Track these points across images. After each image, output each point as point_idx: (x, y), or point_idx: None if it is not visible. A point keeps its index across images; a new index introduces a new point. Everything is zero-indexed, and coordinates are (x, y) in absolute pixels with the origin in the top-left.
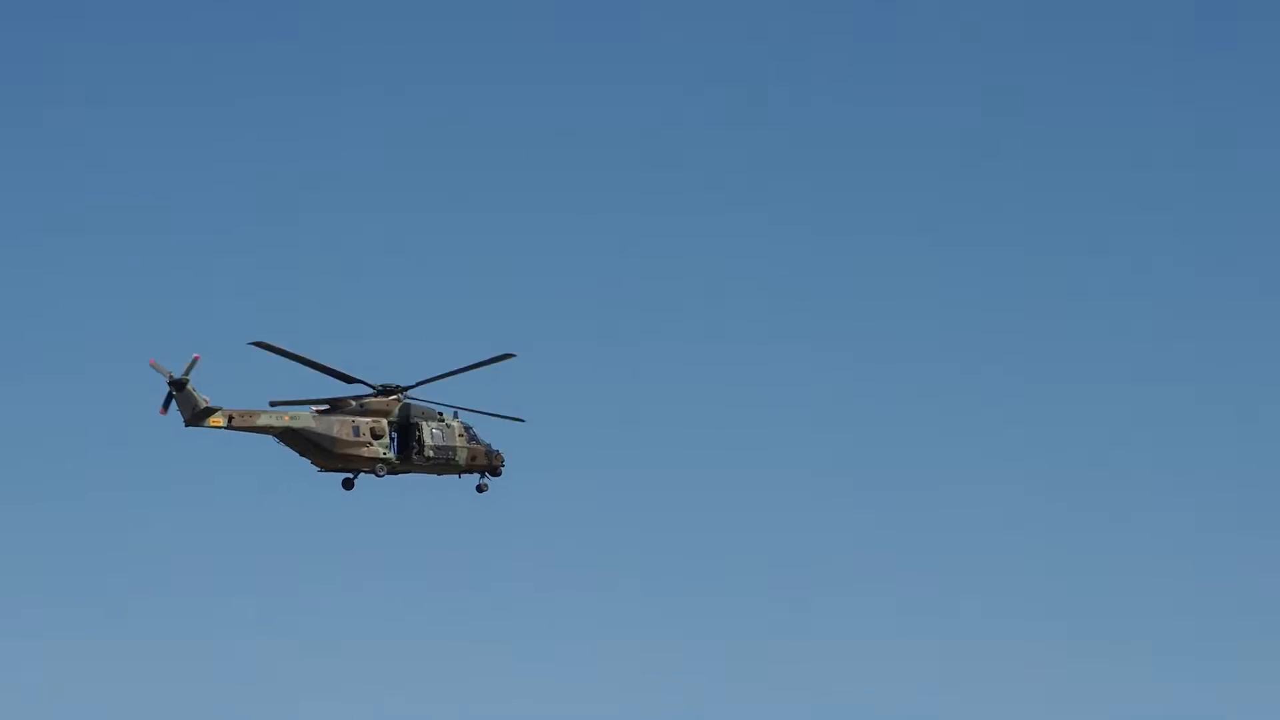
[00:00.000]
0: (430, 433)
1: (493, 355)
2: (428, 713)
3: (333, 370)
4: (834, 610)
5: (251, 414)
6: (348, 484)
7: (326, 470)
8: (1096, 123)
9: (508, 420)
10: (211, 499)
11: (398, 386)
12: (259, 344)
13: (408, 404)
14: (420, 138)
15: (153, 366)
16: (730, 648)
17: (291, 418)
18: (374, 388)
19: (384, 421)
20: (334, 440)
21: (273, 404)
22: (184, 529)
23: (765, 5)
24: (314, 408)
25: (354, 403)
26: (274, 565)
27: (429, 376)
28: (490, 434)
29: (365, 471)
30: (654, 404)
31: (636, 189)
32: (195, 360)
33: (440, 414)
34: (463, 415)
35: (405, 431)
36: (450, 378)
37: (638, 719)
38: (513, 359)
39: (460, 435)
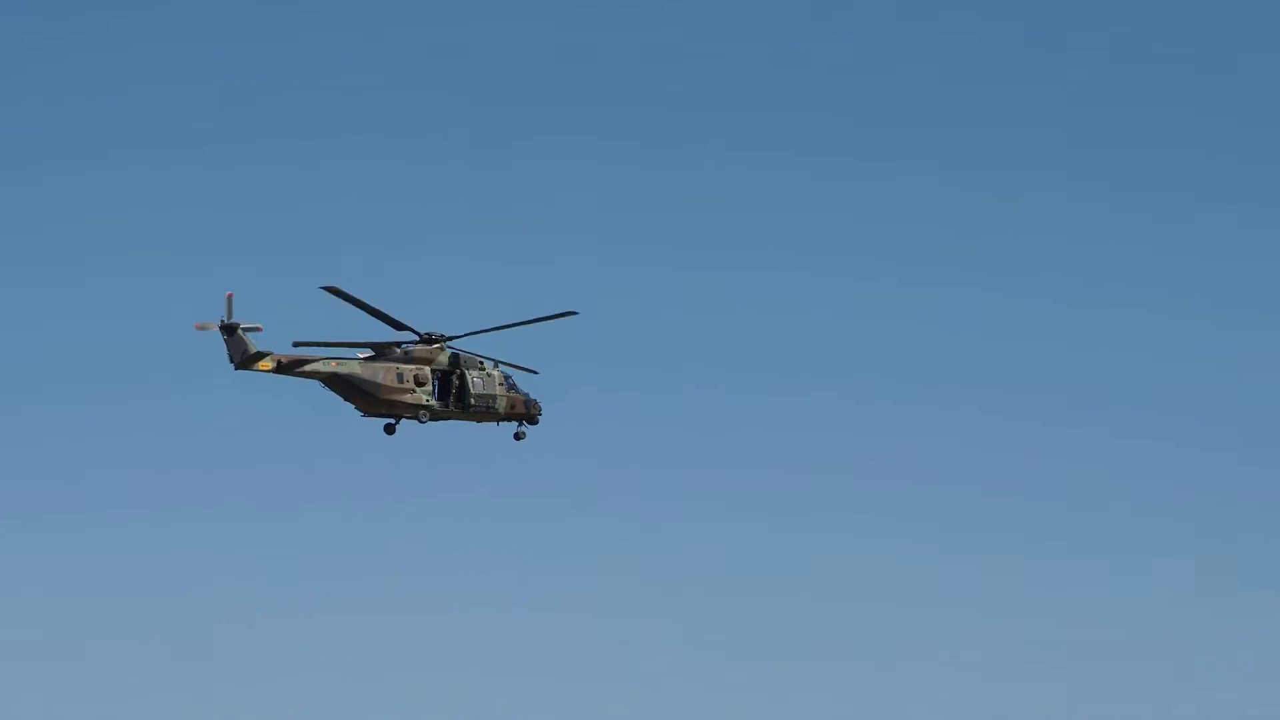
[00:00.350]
0: (472, 381)
1: (555, 312)
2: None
3: (388, 317)
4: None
5: (299, 359)
6: (389, 429)
7: (369, 415)
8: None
9: (523, 370)
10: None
11: (442, 335)
12: (330, 289)
13: (453, 353)
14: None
15: (227, 300)
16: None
17: (338, 363)
18: (419, 335)
19: (427, 369)
20: (379, 386)
21: (295, 344)
22: (231, 470)
23: None
24: (359, 354)
25: (399, 350)
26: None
27: (484, 328)
28: (528, 384)
29: (408, 417)
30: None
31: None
32: (229, 298)
33: (482, 363)
34: (518, 330)
35: (447, 379)
36: (498, 331)
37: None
38: (574, 316)
39: (500, 384)
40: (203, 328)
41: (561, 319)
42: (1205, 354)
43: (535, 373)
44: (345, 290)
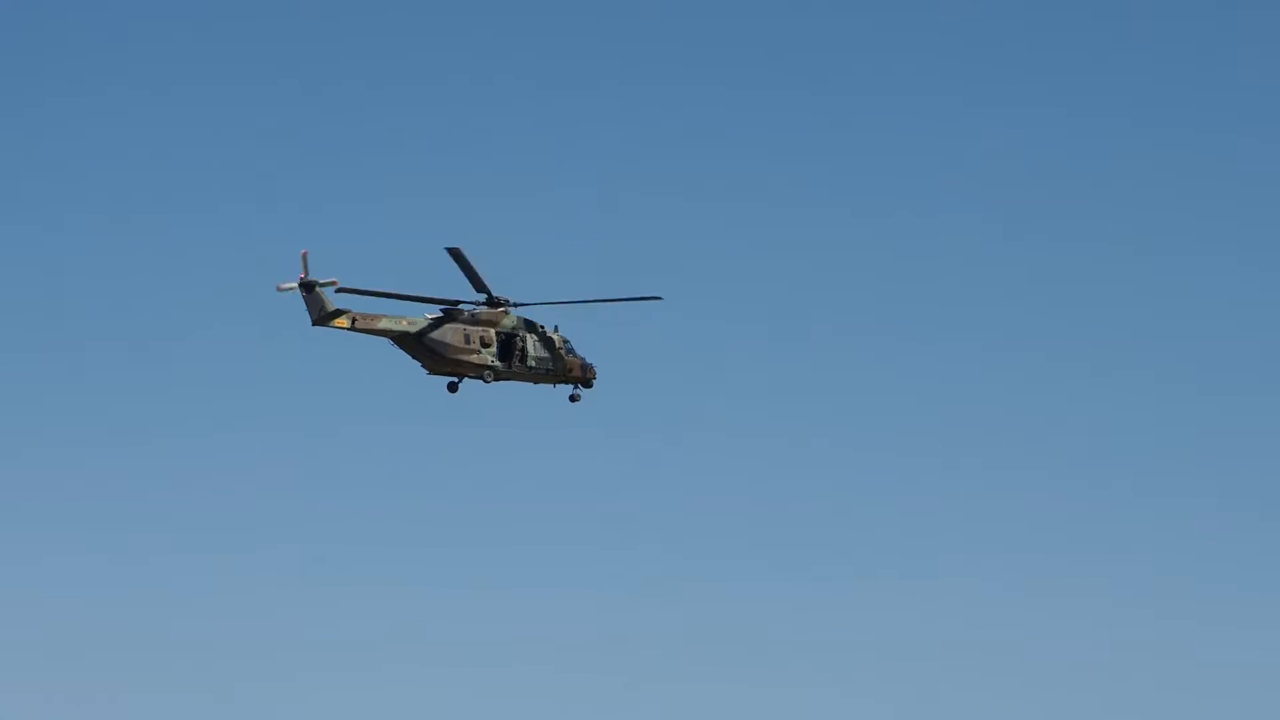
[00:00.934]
0: (533, 344)
1: (641, 295)
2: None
3: (483, 284)
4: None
5: (373, 318)
6: (452, 387)
7: (434, 374)
8: None
9: (647, 300)
10: (332, 396)
11: (506, 299)
12: (452, 251)
13: (516, 315)
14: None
15: (302, 258)
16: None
17: (409, 323)
18: (484, 298)
19: (492, 331)
20: (447, 346)
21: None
22: (305, 426)
23: None
24: (428, 314)
25: (466, 311)
26: (386, 460)
27: (557, 300)
28: (586, 349)
29: (472, 377)
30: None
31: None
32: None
33: (543, 327)
34: (595, 306)
35: (510, 341)
36: (573, 305)
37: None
38: (659, 301)
39: (560, 347)
40: (285, 289)
41: (645, 301)
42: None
43: (660, 299)
44: (466, 255)
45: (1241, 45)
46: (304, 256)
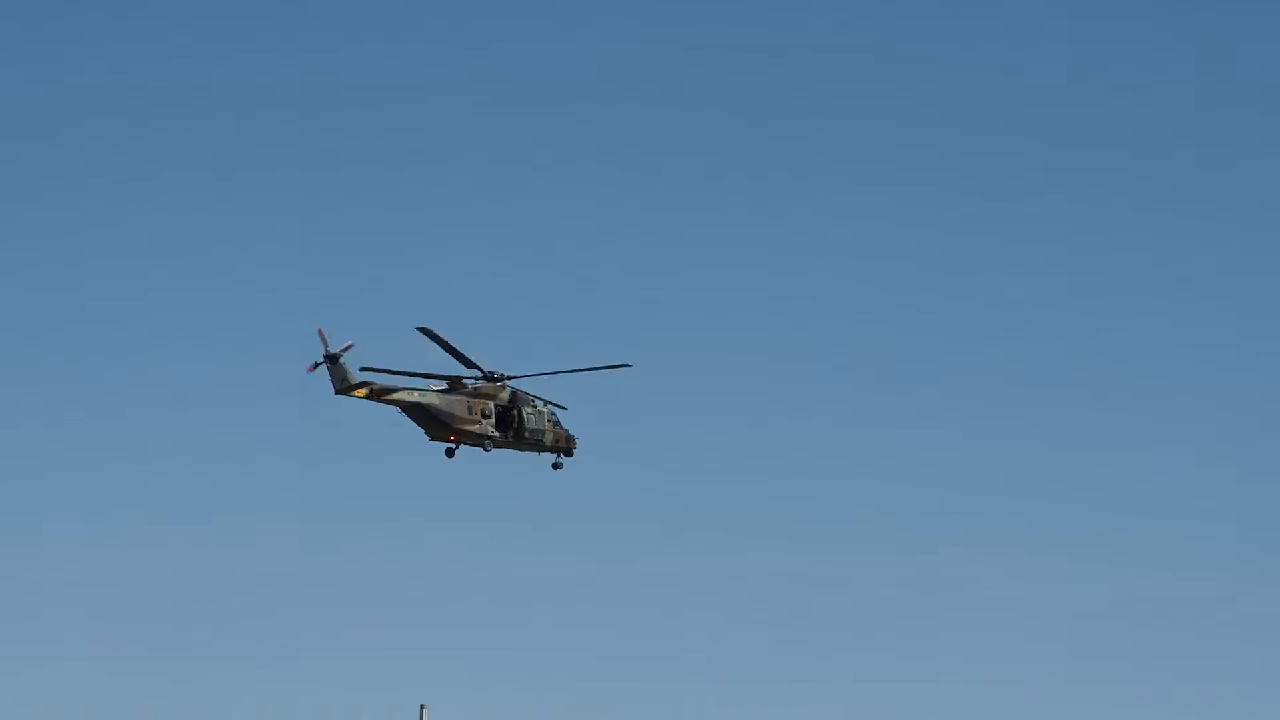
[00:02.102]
0: (527, 416)
1: (610, 363)
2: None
3: (465, 358)
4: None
5: (389, 389)
6: (449, 453)
7: (435, 440)
8: None
9: (615, 369)
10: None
11: (503, 374)
12: (424, 330)
13: (513, 390)
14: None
15: (319, 335)
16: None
17: (419, 394)
18: (483, 373)
19: (491, 403)
20: (453, 416)
21: (364, 369)
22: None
23: None
24: (433, 385)
25: (468, 385)
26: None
27: (538, 372)
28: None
29: (471, 445)
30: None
31: None
32: (348, 347)
33: (534, 400)
34: (570, 374)
35: (506, 413)
36: (551, 375)
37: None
38: (627, 369)
39: (549, 420)
40: (314, 368)
41: (613, 369)
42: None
43: (629, 365)
44: (437, 332)
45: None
46: (320, 333)
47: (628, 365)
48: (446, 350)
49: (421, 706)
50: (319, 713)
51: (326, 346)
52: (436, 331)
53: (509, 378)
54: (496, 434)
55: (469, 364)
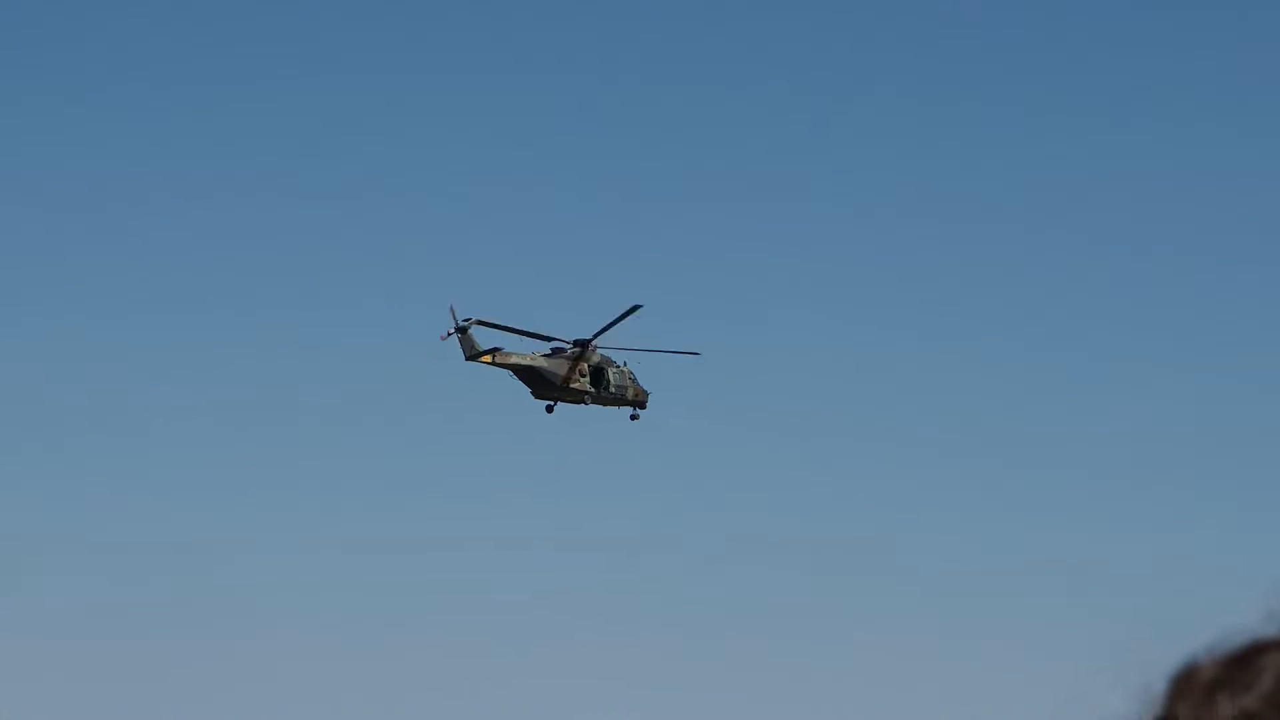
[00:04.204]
0: (612, 374)
1: (681, 350)
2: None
3: (539, 335)
4: None
5: (507, 354)
6: (549, 409)
7: (538, 398)
8: None
9: (684, 355)
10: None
11: (587, 340)
12: (481, 321)
13: (599, 352)
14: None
15: (450, 312)
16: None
17: (531, 358)
18: (569, 342)
19: (586, 365)
20: (558, 376)
21: (479, 321)
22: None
23: None
24: (538, 352)
25: (567, 349)
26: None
27: (618, 346)
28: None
29: (572, 402)
30: None
31: None
32: (452, 308)
33: (615, 362)
34: (642, 354)
35: (599, 373)
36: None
37: None
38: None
39: (629, 378)
40: (446, 337)
41: (684, 355)
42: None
43: (698, 354)
44: (493, 321)
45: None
46: (451, 309)
47: (697, 354)
48: (520, 334)
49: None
50: None
51: (455, 320)
52: (491, 320)
53: (591, 341)
54: (593, 390)
55: (547, 339)
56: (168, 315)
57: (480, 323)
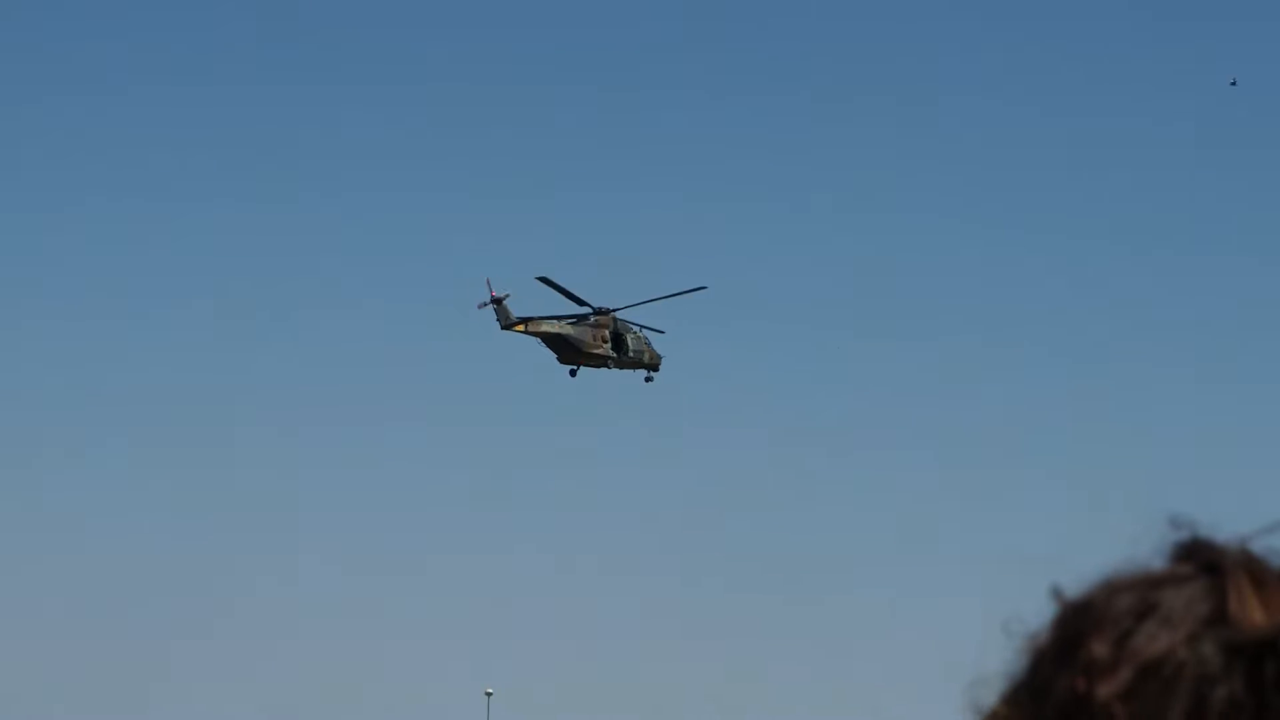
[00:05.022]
0: (631, 340)
1: (688, 288)
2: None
3: (580, 299)
4: None
5: (537, 322)
6: (573, 372)
7: (563, 363)
8: None
9: (692, 291)
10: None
11: (609, 309)
12: (543, 279)
13: (619, 320)
14: None
15: (487, 284)
16: None
17: (559, 326)
18: (594, 309)
19: (606, 331)
20: (584, 343)
21: (538, 277)
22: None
23: None
24: (565, 320)
25: (590, 317)
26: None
27: (633, 303)
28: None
29: (596, 366)
30: None
31: None
32: (507, 295)
33: (633, 328)
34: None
35: (619, 339)
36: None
37: None
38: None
39: (645, 343)
40: (483, 307)
41: (693, 293)
42: None
43: (705, 288)
44: (555, 280)
45: None
46: (488, 282)
47: (704, 288)
48: (564, 294)
49: None
50: None
51: (492, 291)
52: (554, 280)
53: (614, 310)
54: (614, 355)
55: (583, 303)
56: (169, 311)
57: (545, 281)
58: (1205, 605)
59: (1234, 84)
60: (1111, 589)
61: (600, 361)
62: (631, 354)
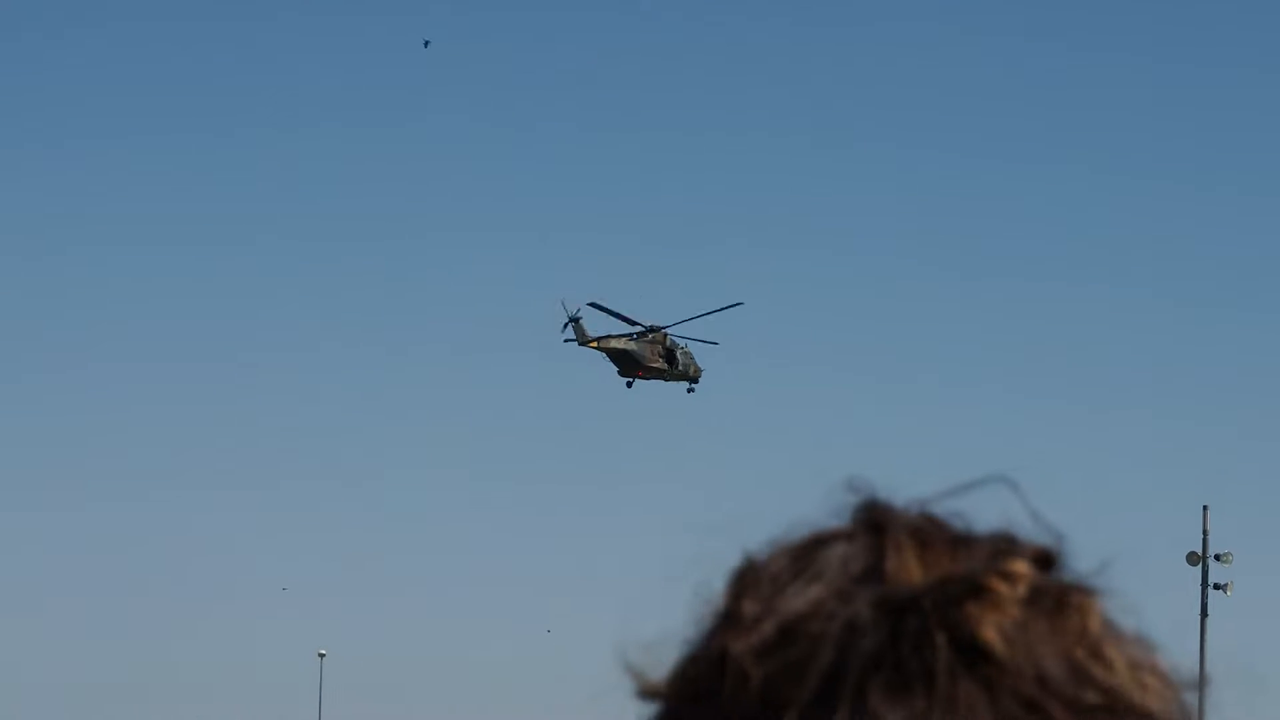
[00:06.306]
0: (680, 355)
1: (723, 305)
2: None
3: (632, 320)
4: None
5: (606, 339)
6: (629, 384)
7: (623, 375)
8: None
9: (729, 308)
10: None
11: (660, 326)
12: (594, 304)
13: (670, 336)
14: None
15: (562, 305)
16: None
17: (625, 342)
18: (645, 326)
19: (660, 346)
20: (644, 357)
21: (590, 304)
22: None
23: None
24: (627, 338)
25: (647, 335)
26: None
27: (678, 320)
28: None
29: (652, 379)
30: None
31: None
32: (563, 301)
33: (680, 343)
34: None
35: (670, 354)
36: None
37: None
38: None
39: (690, 357)
40: (565, 328)
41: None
42: None
43: (741, 304)
44: (606, 305)
45: None
46: (563, 302)
47: (740, 304)
48: (616, 317)
49: None
50: None
51: (567, 311)
52: (605, 304)
53: (664, 328)
54: (667, 368)
55: (634, 323)
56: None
57: (597, 305)
58: (860, 562)
59: None
60: (776, 550)
61: (656, 374)
62: (680, 367)
